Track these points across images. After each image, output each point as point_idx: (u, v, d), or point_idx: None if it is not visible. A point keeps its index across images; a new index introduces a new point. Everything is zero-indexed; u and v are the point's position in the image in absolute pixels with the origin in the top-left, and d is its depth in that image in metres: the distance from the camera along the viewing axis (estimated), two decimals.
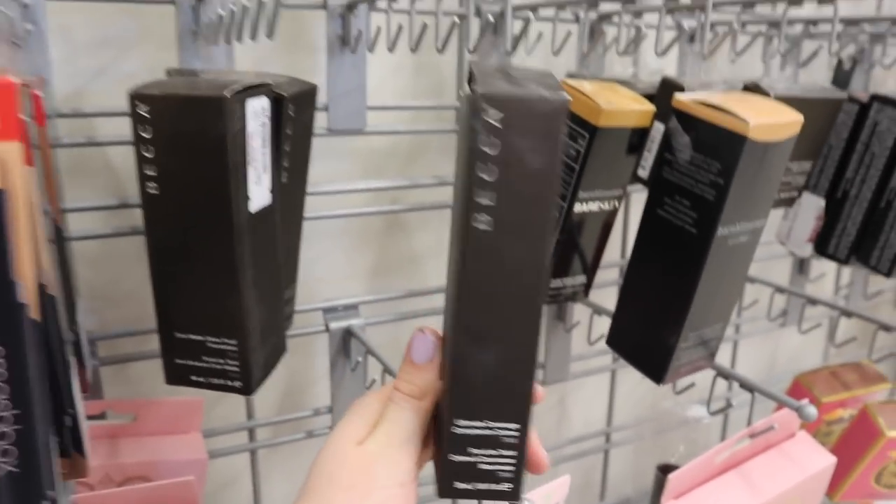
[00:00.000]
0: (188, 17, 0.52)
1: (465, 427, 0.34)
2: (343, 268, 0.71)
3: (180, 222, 0.41)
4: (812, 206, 0.63)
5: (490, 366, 0.33)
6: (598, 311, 0.69)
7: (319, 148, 0.66)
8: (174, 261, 0.42)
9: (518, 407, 0.34)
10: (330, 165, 0.67)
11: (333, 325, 0.64)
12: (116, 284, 0.63)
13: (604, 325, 0.65)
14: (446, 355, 0.35)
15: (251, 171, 0.41)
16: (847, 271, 0.93)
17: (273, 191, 0.44)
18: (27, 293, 0.26)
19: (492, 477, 0.35)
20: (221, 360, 0.44)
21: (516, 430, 0.34)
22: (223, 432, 0.65)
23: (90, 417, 0.57)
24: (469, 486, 0.35)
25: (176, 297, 0.43)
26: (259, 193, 0.42)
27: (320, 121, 0.61)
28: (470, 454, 0.35)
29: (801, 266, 0.90)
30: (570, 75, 0.67)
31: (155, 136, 0.39)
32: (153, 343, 0.60)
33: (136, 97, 0.39)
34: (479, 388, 0.34)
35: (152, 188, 0.40)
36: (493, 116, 0.30)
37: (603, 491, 0.89)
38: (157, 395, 0.59)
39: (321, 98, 0.59)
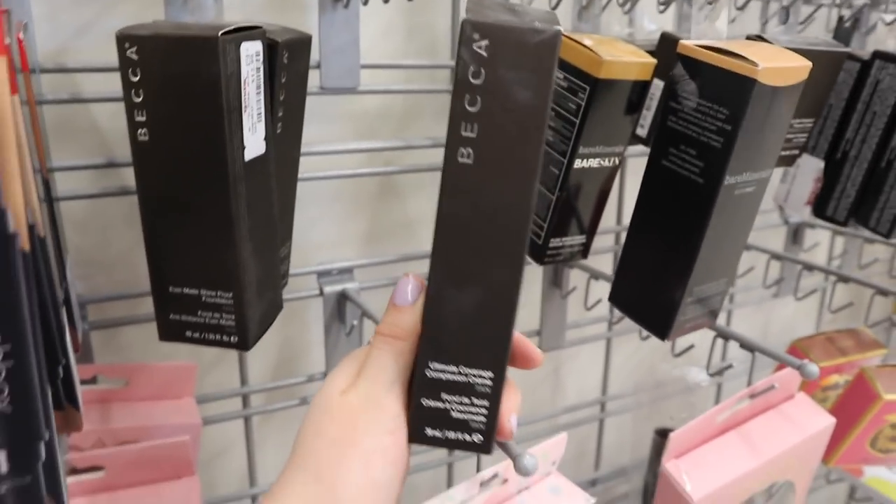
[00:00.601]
0: None
1: (439, 371, 0.33)
2: (337, 233, 0.70)
3: (173, 171, 0.40)
4: (811, 168, 0.63)
5: (467, 308, 0.32)
6: (595, 275, 0.68)
7: (312, 110, 0.64)
8: (167, 211, 0.41)
9: (494, 355, 0.33)
10: (323, 128, 0.65)
11: (328, 289, 0.63)
12: (105, 248, 0.61)
13: (600, 290, 0.64)
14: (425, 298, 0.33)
15: (246, 117, 0.40)
16: (840, 241, 0.93)
17: (268, 140, 0.43)
18: (17, 223, 0.25)
19: (463, 426, 0.34)
20: (217, 315, 0.43)
21: (490, 379, 0.33)
22: (217, 398, 0.64)
23: (81, 382, 0.56)
24: (439, 434, 0.34)
25: (169, 250, 0.42)
26: (254, 142, 0.41)
27: (313, 79, 0.59)
28: (442, 400, 0.33)
29: (795, 236, 0.89)
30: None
31: (145, 79, 0.38)
32: (144, 307, 0.59)
33: (125, 38, 0.37)
34: (455, 332, 0.32)
35: (143, 135, 0.39)
36: (479, 44, 0.28)
37: (598, 461, 0.89)
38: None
39: (313, 56, 0.58)
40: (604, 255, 0.75)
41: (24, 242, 0.25)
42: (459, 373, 0.33)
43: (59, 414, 0.35)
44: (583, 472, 0.90)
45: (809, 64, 0.42)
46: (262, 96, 0.41)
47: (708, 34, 0.67)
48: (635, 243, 0.48)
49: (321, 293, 0.63)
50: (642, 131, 0.60)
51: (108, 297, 0.58)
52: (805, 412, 0.57)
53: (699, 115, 0.42)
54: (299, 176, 0.56)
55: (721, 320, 0.93)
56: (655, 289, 0.46)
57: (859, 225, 0.62)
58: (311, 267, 0.63)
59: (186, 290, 0.43)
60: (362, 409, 0.33)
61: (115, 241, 0.61)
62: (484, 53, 0.29)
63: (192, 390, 0.60)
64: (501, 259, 0.31)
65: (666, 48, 0.57)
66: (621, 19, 0.68)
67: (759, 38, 0.50)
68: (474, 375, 0.33)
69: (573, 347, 0.85)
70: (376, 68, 0.62)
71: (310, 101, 0.56)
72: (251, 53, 0.40)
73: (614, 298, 0.50)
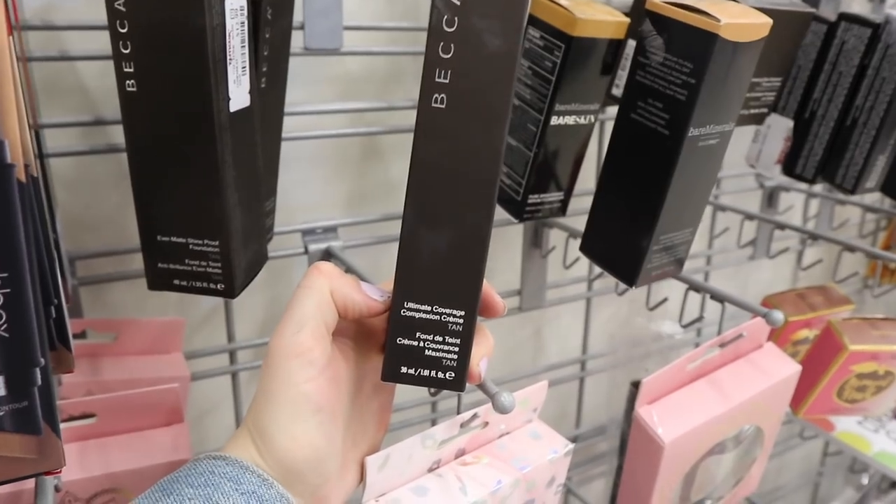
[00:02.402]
0: None
1: (413, 310, 0.34)
2: (321, 195, 0.71)
3: (160, 121, 0.41)
4: (780, 128, 0.65)
5: (439, 249, 0.33)
6: (573, 234, 0.70)
7: (296, 72, 0.65)
8: (154, 161, 0.42)
9: (466, 294, 0.34)
10: (306, 90, 0.67)
11: (312, 247, 0.65)
12: (93, 209, 0.62)
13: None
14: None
15: (231, 69, 0.41)
16: (814, 203, 0.96)
17: (252, 93, 0.44)
18: (14, 156, 0.26)
19: (436, 364, 0.35)
20: (204, 263, 0.45)
21: (462, 318, 0.34)
22: (204, 354, 0.65)
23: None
24: (413, 372, 0.35)
25: (157, 200, 0.43)
26: (238, 94, 0.43)
27: (297, 40, 0.60)
28: (416, 339, 0.35)
29: (770, 199, 0.92)
30: None
31: (132, 30, 0.39)
32: (132, 264, 0.61)
33: None
34: (428, 272, 0.34)
35: (131, 86, 0.40)
36: None
37: (578, 419, 0.92)
38: None
39: (297, 17, 0.59)
40: (583, 216, 0.77)
41: (20, 174, 0.26)
42: (433, 311, 0.35)
43: (51, 354, 0.37)
44: (564, 431, 0.92)
45: (770, 21, 0.43)
46: (246, 50, 0.43)
47: None
48: (605, 194, 0.50)
49: (306, 251, 0.64)
50: (618, 91, 0.61)
51: (96, 252, 0.59)
52: (772, 360, 0.59)
53: (665, 70, 0.44)
54: (284, 135, 0.58)
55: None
56: (623, 238, 0.48)
57: (826, 182, 0.64)
58: (296, 224, 0.65)
59: (174, 239, 0.44)
60: (279, 357, 0.34)
61: (103, 202, 0.62)
62: (456, 2, 0.30)
63: (181, 345, 0.61)
64: (473, 201, 0.33)
65: (640, 9, 0.58)
66: None
67: None
68: (447, 314, 0.35)
69: (555, 310, 0.88)
70: (359, 30, 0.63)
71: (294, 64, 0.58)
72: (235, 7, 0.41)
73: (585, 248, 0.52)
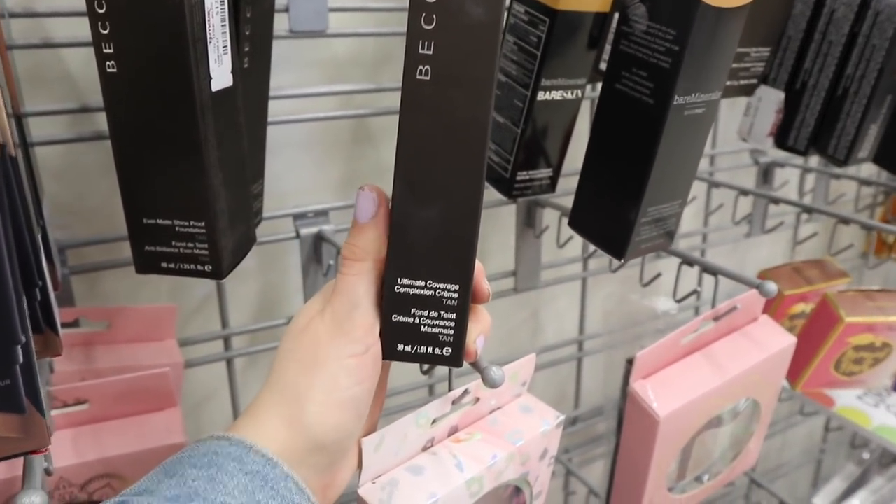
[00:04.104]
0: None
1: (407, 286, 0.34)
2: (311, 179, 0.71)
3: (141, 101, 0.41)
4: (772, 100, 0.64)
5: (432, 223, 0.33)
6: (566, 213, 0.70)
7: (282, 56, 0.65)
8: (137, 143, 0.42)
9: (460, 268, 0.34)
10: (294, 75, 0.66)
11: (304, 231, 0.64)
12: (83, 198, 0.62)
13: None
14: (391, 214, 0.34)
15: (211, 48, 0.41)
16: (810, 178, 0.95)
17: (234, 73, 0.44)
18: None
19: (433, 340, 0.35)
20: (191, 245, 0.44)
21: (457, 292, 0.34)
22: (199, 341, 0.65)
23: (63, 325, 0.58)
24: (410, 349, 0.35)
25: (141, 182, 0.43)
26: (220, 73, 0.42)
27: (282, 23, 0.60)
28: (411, 315, 0.35)
29: (765, 175, 0.91)
30: None
31: (110, 11, 0.39)
32: (123, 252, 0.61)
33: None
34: (421, 247, 0.34)
35: (111, 67, 0.40)
36: None
37: (577, 400, 0.92)
38: None
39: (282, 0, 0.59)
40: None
41: None
42: (427, 287, 0.34)
43: (38, 337, 0.36)
44: (563, 412, 0.93)
45: None
46: (227, 29, 0.42)
47: None
48: (592, 167, 0.50)
49: (297, 235, 0.64)
50: (605, 65, 0.61)
51: (86, 241, 0.59)
52: (768, 333, 0.59)
53: (649, 38, 0.43)
54: (272, 119, 0.58)
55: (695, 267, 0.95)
56: (611, 211, 0.48)
57: (818, 153, 0.64)
58: (287, 209, 0.65)
59: (160, 221, 0.44)
60: (327, 334, 0.34)
61: (92, 190, 0.62)
62: None
63: (174, 332, 0.61)
64: (463, 173, 0.32)
65: None
66: None
67: None
68: (441, 289, 0.34)
69: (550, 291, 0.88)
70: (345, 11, 0.63)
71: (280, 48, 0.58)
72: None
73: (574, 223, 0.52)
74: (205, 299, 0.69)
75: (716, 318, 0.56)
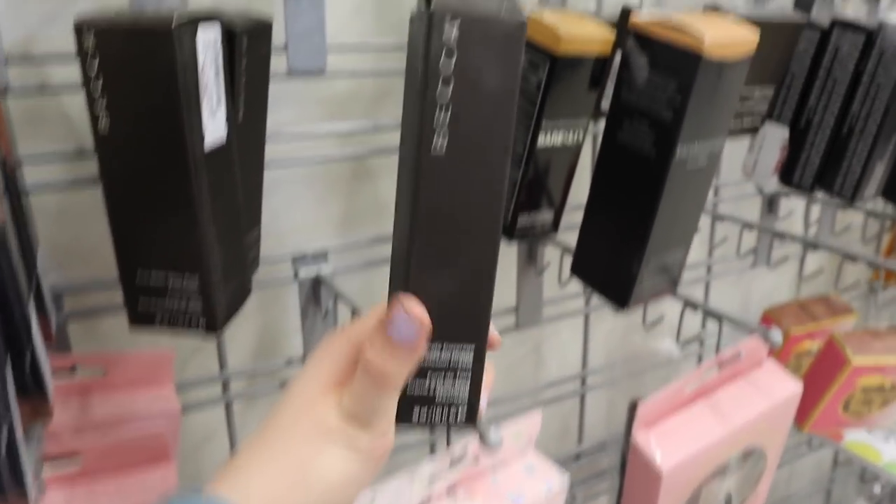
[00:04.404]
0: None
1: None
2: (311, 217, 0.70)
3: (134, 159, 0.40)
4: (776, 137, 0.63)
5: (448, 290, 0.33)
6: (567, 250, 0.69)
7: (281, 94, 0.65)
8: (131, 199, 0.42)
9: (475, 329, 0.34)
10: (292, 112, 0.66)
11: (303, 273, 0.64)
12: (81, 239, 0.62)
13: None
14: (399, 282, 0.34)
15: (205, 103, 0.40)
16: (816, 209, 0.94)
17: (229, 125, 0.43)
18: None
19: (448, 401, 0.35)
20: (185, 300, 0.44)
21: (472, 352, 0.34)
22: (196, 384, 0.64)
23: (58, 371, 0.57)
24: (426, 413, 0.35)
25: (135, 237, 0.43)
26: (214, 127, 0.42)
27: (280, 63, 0.60)
28: (426, 377, 0.34)
29: (770, 205, 0.90)
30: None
31: (103, 69, 0.38)
32: (121, 295, 0.60)
33: (81, 30, 0.38)
34: (436, 312, 0.33)
35: (104, 125, 0.40)
36: (449, 34, 0.30)
37: (580, 435, 0.91)
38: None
39: (280, 38, 0.58)
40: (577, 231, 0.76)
41: None
42: (442, 349, 0.34)
43: (27, 400, 0.36)
44: (566, 448, 0.92)
45: (756, 38, 0.42)
46: (221, 82, 0.42)
47: (672, 4, 0.68)
48: (593, 215, 0.49)
49: (296, 277, 0.64)
50: (607, 105, 0.60)
51: (82, 285, 0.58)
52: (773, 379, 0.58)
53: (650, 88, 0.43)
54: (270, 161, 0.57)
55: (699, 293, 0.95)
56: (614, 260, 0.47)
57: (824, 191, 0.63)
58: (287, 248, 0.64)
59: (153, 276, 0.43)
60: (335, 432, 0.33)
61: (91, 231, 0.61)
62: (454, 44, 0.30)
63: (171, 377, 0.60)
64: (478, 239, 0.32)
65: (627, 22, 0.57)
66: None
67: (716, 8, 0.51)
68: (457, 350, 0.34)
69: (553, 325, 0.86)
70: (344, 51, 0.62)
71: (278, 86, 0.57)
72: (208, 41, 0.40)
73: (576, 269, 0.51)
74: (203, 340, 0.68)
75: (720, 364, 0.55)
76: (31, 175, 0.54)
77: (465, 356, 0.34)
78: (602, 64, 0.53)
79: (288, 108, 0.66)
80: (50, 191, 0.57)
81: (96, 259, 0.62)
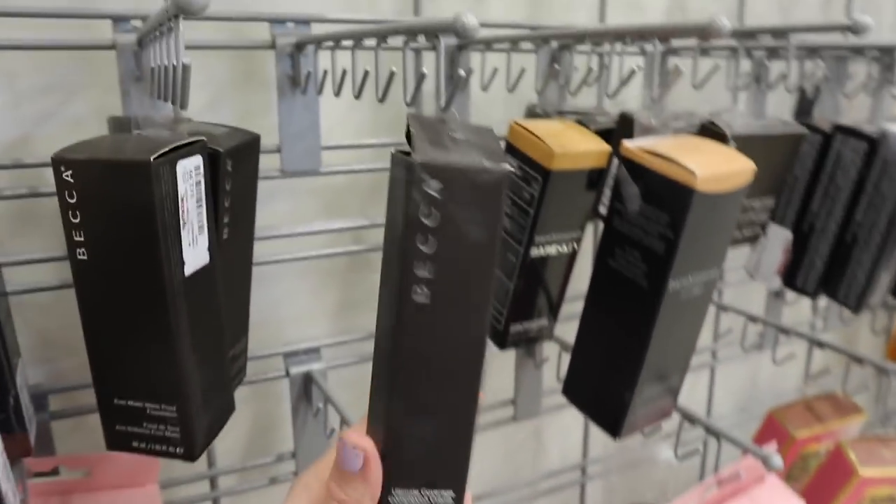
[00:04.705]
0: (129, 64, 0.50)
1: (401, 496, 0.33)
2: (307, 307, 0.69)
3: (112, 288, 0.39)
4: (779, 239, 0.62)
5: (427, 436, 0.32)
6: (566, 347, 0.67)
7: (277, 187, 0.64)
8: (108, 327, 0.41)
9: (455, 474, 0.33)
10: (288, 204, 0.65)
11: (294, 371, 0.62)
12: (72, 330, 0.61)
13: None
14: (379, 422, 0.33)
15: (185, 233, 0.40)
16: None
17: (212, 250, 0.43)
18: None
19: None
20: (162, 427, 0.43)
21: (453, 499, 0.34)
22: (183, 482, 0.63)
23: (42, 474, 0.56)
24: None
25: (112, 364, 0.42)
26: (195, 255, 0.41)
27: (273, 162, 0.59)
28: None
29: (776, 292, 0.88)
30: (530, 108, 0.66)
31: (80, 201, 0.38)
32: None
33: (59, 162, 0.37)
34: (416, 458, 0.33)
35: (81, 254, 0.39)
36: (432, 187, 0.29)
37: None
38: None
39: (273, 140, 0.58)
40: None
41: None
42: (421, 495, 0.33)
43: (9, 438, 0.36)
44: None
45: (752, 168, 0.41)
46: (203, 209, 0.41)
47: (675, 101, 0.67)
48: (585, 339, 0.48)
49: (287, 374, 0.62)
50: (604, 209, 0.59)
51: (68, 384, 0.57)
52: (775, 497, 0.55)
53: (642, 219, 0.41)
54: (264, 256, 0.57)
55: (704, 377, 0.92)
56: (605, 388, 0.45)
57: (828, 297, 0.61)
58: (277, 349, 0.63)
59: (131, 403, 0.42)
60: None
61: (78, 323, 0.61)
62: (436, 195, 0.29)
63: (156, 477, 0.59)
64: (458, 386, 0.32)
65: (624, 127, 0.56)
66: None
67: (713, 125, 0.50)
68: (436, 495, 0.34)
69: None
70: (339, 149, 0.62)
71: (274, 180, 0.57)
72: (189, 170, 0.39)
73: (567, 391, 0.50)
74: None
75: (719, 483, 0.53)
76: (19, 275, 0.54)
77: (445, 502, 0.34)
78: (598, 175, 0.52)
79: (282, 201, 0.65)
80: (40, 291, 0.57)
81: (84, 351, 0.61)
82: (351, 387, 0.65)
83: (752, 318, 0.74)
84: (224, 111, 0.61)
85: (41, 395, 0.56)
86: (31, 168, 0.53)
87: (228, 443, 0.68)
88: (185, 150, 0.39)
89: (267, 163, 0.60)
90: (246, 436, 0.70)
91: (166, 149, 0.37)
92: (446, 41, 0.55)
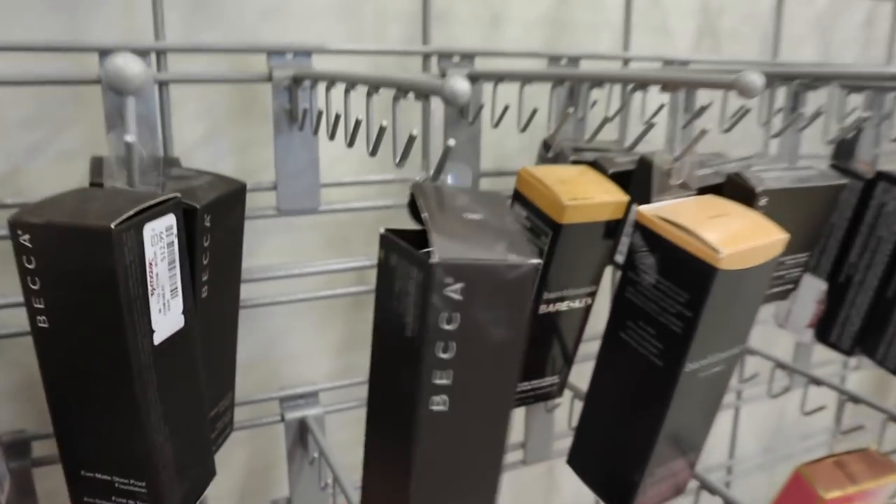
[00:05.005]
0: (115, 101, 0.47)
1: None
2: (306, 346, 0.66)
3: (75, 360, 0.36)
4: (812, 289, 0.57)
5: None
6: (578, 395, 0.63)
7: (278, 221, 0.61)
8: (72, 397, 0.38)
9: None
10: (288, 239, 0.62)
11: (289, 416, 0.59)
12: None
13: None
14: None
15: (154, 300, 0.36)
16: None
17: (188, 312, 0.39)
18: None
19: None
20: (132, 502, 0.40)
21: None
22: None
23: None
24: None
25: (77, 435, 0.39)
26: (166, 322, 0.38)
27: (271, 200, 0.56)
28: None
29: None
30: (546, 142, 0.61)
31: (39, 266, 0.35)
32: None
33: (16, 225, 0.34)
34: None
35: (42, 322, 0.36)
36: (453, 288, 0.25)
37: None
38: None
39: (270, 178, 0.55)
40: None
41: None
42: None
43: None
44: None
45: (784, 239, 0.37)
46: (177, 271, 0.38)
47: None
48: (593, 411, 0.44)
49: (283, 419, 0.59)
50: (621, 258, 0.55)
51: (47, 433, 0.55)
52: None
53: (658, 293, 0.37)
54: (263, 300, 0.55)
55: (727, 416, 0.88)
56: (614, 464, 0.41)
57: (865, 355, 0.56)
58: (273, 391, 0.60)
59: (99, 476, 0.39)
60: None
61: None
62: (459, 297, 0.26)
63: None
64: (476, 484, 0.30)
65: (644, 172, 0.52)
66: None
67: (740, 178, 0.45)
68: None
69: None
70: (338, 186, 0.59)
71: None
72: (159, 231, 0.36)
73: (573, 462, 0.46)
74: None
75: None
76: (5, 316, 0.51)
77: None
78: (614, 226, 0.48)
79: (281, 236, 0.62)
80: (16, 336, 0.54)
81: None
82: (350, 425, 0.62)
83: (781, 366, 0.69)
84: (221, 143, 0.58)
85: (23, 441, 0.54)
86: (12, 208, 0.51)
87: (223, 485, 0.65)
88: (156, 210, 0.36)
89: (264, 200, 0.57)
90: (241, 476, 0.67)
91: (133, 211, 0.34)
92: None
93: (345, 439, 0.61)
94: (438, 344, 0.26)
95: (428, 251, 0.26)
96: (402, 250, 0.26)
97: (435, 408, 0.27)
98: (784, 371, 0.71)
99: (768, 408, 0.95)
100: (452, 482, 0.29)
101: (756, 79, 0.33)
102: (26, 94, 0.52)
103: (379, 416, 0.31)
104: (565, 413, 0.70)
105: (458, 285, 0.25)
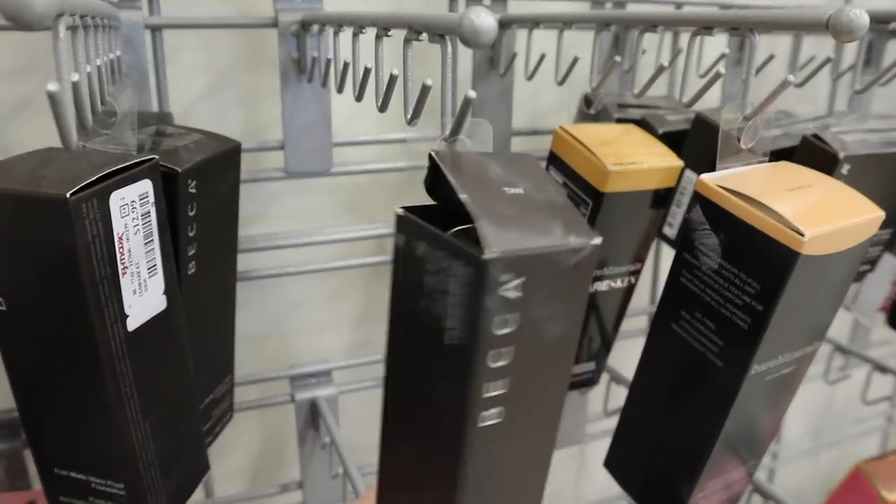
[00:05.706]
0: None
1: None
2: (322, 317, 0.61)
3: (38, 348, 0.31)
4: (888, 269, 0.50)
5: None
6: (616, 378, 0.58)
7: (288, 183, 0.56)
8: (39, 389, 0.33)
9: None
10: (302, 202, 0.57)
11: (299, 396, 0.55)
12: None
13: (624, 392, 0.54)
14: None
15: (126, 281, 0.31)
16: None
17: (170, 292, 0.34)
18: None
19: None
20: (112, 502, 0.35)
21: None
22: None
23: None
24: None
25: (47, 430, 0.34)
26: (143, 304, 0.33)
27: (277, 161, 0.51)
28: None
29: None
30: (587, 96, 0.55)
31: None
32: None
33: None
34: None
35: (0, 304, 0.31)
36: (510, 286, 0.21)
37: None
38: None
39: (277, 136, 0.49)
40: (633, 340, 0.64)
41: None
42: None
43: None
44: None
45: (880, 216, 0.30)
46: (155, 245, 0.33)
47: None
48: (636, 411, 0.38)
49: (292, 400, 0.55)
50: (671, 231, 0.49)
51: None
52: None
53: (721, 281, 0.31)
54: (273, 271, 0.51)
55: None
56: (658, 474, 0.36)
57: None
58: (283, 370, 0.55)
59: (73, 475, 0.35)
60: None
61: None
62: (518, 294, 0.21)
63: None
64: (527, 483, 0.27)
65: (701, 134, 0.45)
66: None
67: (818, 141, 0.39)
68: None
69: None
70: (352, 145, 0.53)
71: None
72: (130, 200, 0.31)
73: (611, 466, 0.40)
74: None
75: None
76: None
77: None
78: (664, 195, 0.41)
79: (293, 199, 0.56)
80: None
81: None
82: (367, 403, 0.57)
83: (841, 349, 0.62)
84: (227, 96, 0.52)
85: (14, 421, 0.50)
86: None
87: (230, 466, 0.61)
88: (127, 175, 0.30)
89: (272, 161, 0.51)
90: (250, 457, 0.63)
91: (96, 176, 0.29)
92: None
93: (360, 418, 0.56)
94: (492, 353, 0.21)
95: (470, 243, 0.20)
96: (435, 238, 0.20)
97: (486, 423, 0.23)
98: (840, 353, 0.64)
99: (816, 389, 0.88)
100: (501, 493, 0.26)
101: (857, 16, 0.27)
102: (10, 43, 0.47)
103: (404, 424, 0.26)
104: (600, 395, 0.65)
105: (517, 281, 0.21)
